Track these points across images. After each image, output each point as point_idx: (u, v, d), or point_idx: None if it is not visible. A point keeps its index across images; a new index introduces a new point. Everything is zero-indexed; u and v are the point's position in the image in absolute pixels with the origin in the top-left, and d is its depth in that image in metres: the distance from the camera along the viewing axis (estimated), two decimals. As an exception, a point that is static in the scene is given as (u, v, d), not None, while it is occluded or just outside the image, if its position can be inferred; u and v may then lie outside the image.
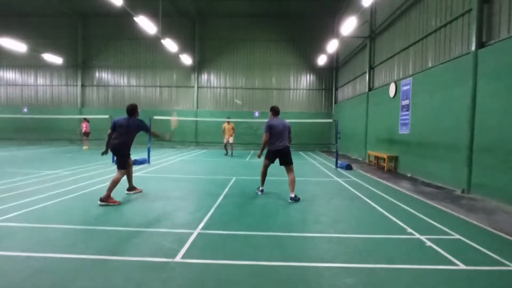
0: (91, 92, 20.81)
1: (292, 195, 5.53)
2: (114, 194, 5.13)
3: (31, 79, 21.07)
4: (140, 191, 5.94)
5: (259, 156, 6.01)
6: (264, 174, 6.06)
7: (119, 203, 4.96)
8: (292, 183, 5.62)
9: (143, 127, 5.44)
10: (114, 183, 5.05)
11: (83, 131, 16.70)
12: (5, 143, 18.93)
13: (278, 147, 5.67)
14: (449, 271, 2.84)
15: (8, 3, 18.62)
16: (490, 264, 2.99)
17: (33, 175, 7.53)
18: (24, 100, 21.08)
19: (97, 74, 20.73)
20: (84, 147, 16.70)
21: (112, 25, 20.15)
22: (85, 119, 16.81)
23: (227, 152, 14.85)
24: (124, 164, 5.32)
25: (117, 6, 11.47)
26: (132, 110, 5.42)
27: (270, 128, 5.69)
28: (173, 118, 6.21)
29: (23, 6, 19.11)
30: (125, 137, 5.26)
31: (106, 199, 4.92)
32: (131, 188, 5.86)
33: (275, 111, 5.92)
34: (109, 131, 5.35)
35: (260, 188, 6.14)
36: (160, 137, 5.86)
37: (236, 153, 15.10)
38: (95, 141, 16.48)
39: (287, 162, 5.74)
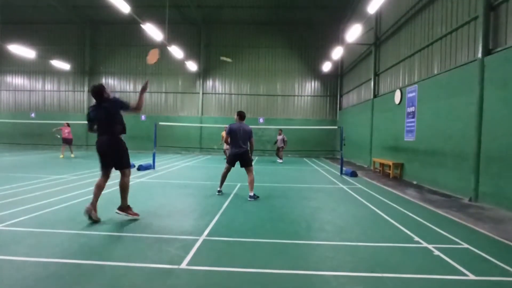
0: (98, 98, 21.01)
1: (251, 194, 6.05)
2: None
3: (39, 85, 21.41)
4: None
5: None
6: (223, 176, 6.46)
7: (138, 216, 4.45)
8: (251, 183, 6.14)
9: (121, 105, 4.33)
10: (126, 188, 4.31)
11: (64, 137, 14.21)
12: (12, 147, 19.18)
13: (235, 151, 6.19)
14: (459, 281, 2.78)
15: (18, 11, 19.05)
16: (500, 274, 2.93)
17: (40, 179, 7.60)
18: (32, 105, 21.41)
19: (103, 80, 20.98)
20: (61, 156, 14.32)
21: (119, 32, 20.48)
22: (67, 124, 14.48)
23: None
24: (129, 160, 4.41)
25: (124, 14, 11.67)
26: (97, 92, 4.27)
27: (230, 132, 6.23)
28: (152, 56, 4.78)
29: (32, 14, 19.55)
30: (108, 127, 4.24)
31: (126, 210, 4.35)
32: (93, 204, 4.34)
33: (241, 116, 6.40)
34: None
35: (218, 189, 6.49)
36: (141, 95, 4.52)
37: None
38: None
39: (245, 164, 6.27)
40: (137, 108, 4.43)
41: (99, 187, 4.31)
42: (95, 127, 4.32)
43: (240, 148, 6.16)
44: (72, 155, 14.64)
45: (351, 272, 2.90)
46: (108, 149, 4.24)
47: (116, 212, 4.37)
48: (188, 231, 4.02)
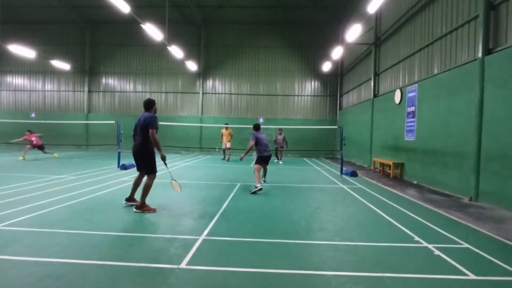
0: (98, 98, 21.05)
1: (264, 179, 8.23)
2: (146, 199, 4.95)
3: (39, 85, 21.40)
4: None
5: (241, 158, 7.55)
6: (258, 176, 7.01)
7: (155, 210, 4.86)
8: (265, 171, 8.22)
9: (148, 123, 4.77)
10: (147, 189, 4.86)
11: (33, 144, 12.99)
12: (12, 147, 19.16)
13: (265, 154, 7.38)
14: (459, 281, 2.78)
15: (18, 11, 19.05)
16: (501, 274, 2.93)
17: (40, 179, 7.59)
18: (32, 105, 21.40)
19: (103, 80, 20.99)
20: (21, 158, 12.73)
21: (119, 32, 20.47)
22: (29, 131, 13.23)
23: (224, 157, 15.14)
24: (154, 168, 4.96)
25: (124, 14, 11.67)
26: (146, 103, 5.01)
27: (256, 139, 7.35)
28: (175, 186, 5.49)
29: (32, 14, 19.55)
30: (140, 136, 4.86)
31: (142, 207, 4.80)
32: (130, 198, 5.31)
33: (256, 127, 7.58)
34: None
35: (259, 187, 6.76)
36: (159, 150, 4.96)
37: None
38: (109, 145, 16.40)
39: (268, 164, 7.80)
40: (151, 136, 4.81)
41: (136, 183, 5.21)
42: (133, 133, 5.00)
43: (267, 152, 7.39)
44: (55, 155, 14.21)
45: (351, 272, 2.90)
46: (137, 154, 4.90)
47: (134, 211, 4.77)
48: (188, 230, 4.02)
